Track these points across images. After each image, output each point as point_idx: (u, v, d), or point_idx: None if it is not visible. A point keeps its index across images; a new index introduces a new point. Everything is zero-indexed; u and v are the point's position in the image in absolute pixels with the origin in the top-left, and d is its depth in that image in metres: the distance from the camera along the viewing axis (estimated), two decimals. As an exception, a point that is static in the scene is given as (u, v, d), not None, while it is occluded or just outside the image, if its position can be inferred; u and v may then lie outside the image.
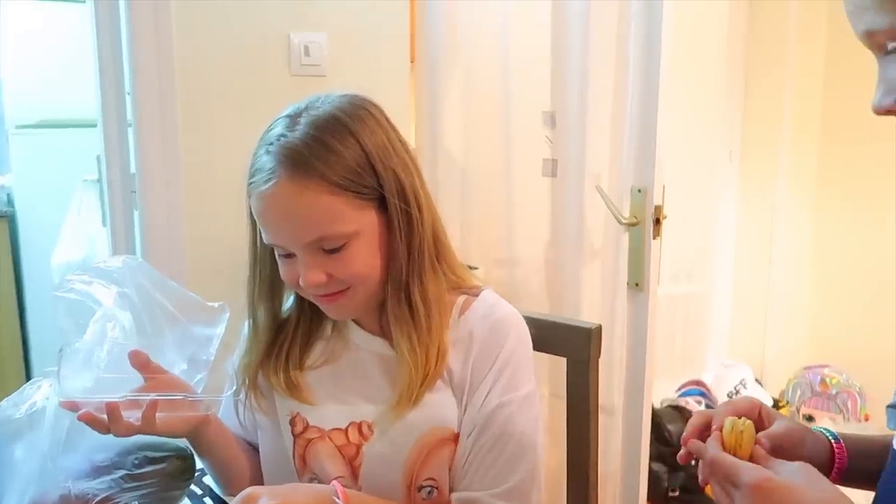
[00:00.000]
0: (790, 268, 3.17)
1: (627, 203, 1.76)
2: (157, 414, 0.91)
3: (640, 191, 1.73)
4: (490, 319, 0.98)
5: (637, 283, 1.76)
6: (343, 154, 0.89)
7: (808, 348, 3.20)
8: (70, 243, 2.64)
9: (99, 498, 0.86)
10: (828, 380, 3.05)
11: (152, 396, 0.91)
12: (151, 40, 1.88)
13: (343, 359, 1.02)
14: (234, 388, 1.01)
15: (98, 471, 0.91)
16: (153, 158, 1.89)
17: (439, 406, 0.96)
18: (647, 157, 1.71)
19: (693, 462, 2.47)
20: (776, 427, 0.82)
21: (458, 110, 2.01)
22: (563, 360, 1.14)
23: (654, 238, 1.73)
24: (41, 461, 0.89)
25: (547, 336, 1.07)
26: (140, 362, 0.95)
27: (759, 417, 0.84)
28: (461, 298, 1.01)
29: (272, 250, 0.96)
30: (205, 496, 1.09)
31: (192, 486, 1.08)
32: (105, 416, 0.88)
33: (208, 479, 1.10)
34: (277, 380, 1.01)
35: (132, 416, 0.90)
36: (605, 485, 1.91)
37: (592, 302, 1.93)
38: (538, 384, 1.00)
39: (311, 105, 0.93)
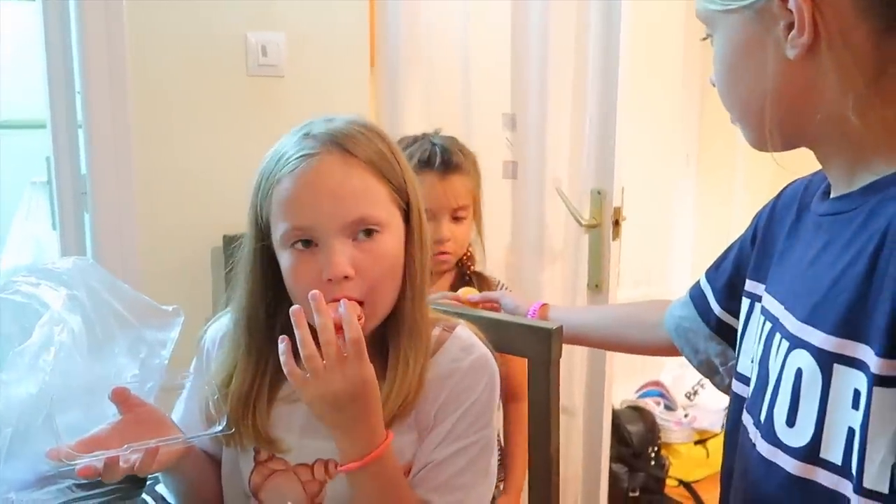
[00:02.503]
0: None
1: (587, 205, 1.77)
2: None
3: (599, 192, 1.74)
4: (463, 366, 0.95)
5: (597, 284, 1.77)
6: (382, 149, 0.92)
7: (764, 349, 3.25)
8: (18, 247, 2.56)
9: (45, 509, 0.82)
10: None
11: (154, 443, 0.86)
12: (102, 38, 1.83)
13: None
14: (225, 423, 0.92)
15: (43, 481, 0.86)
16: (105, 159, 1.84)
17: (404, 445, 0.93)
18: (607, 160, 1.72)
19: (652, 462, 2.49)
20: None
21: (418, 112, 1.99)
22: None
23: (613, 239, 1.74)
24: (-18, 472, 0.85)
25: (508, 337, 1.06)
26: (121, 398, 0.89)
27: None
28: (436, 331, 0.98)
29: (268, 259, 0.93)
30: (157, 506, 1.05)
31: (144, 496, 1.04)
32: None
33: (161, 489, 1.07)
34: (247, 430, 0.95)
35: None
36: (565, 486, 1.91)
37: (554, 301, 1.93)
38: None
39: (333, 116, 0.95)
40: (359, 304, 0.88)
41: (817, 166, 0.80)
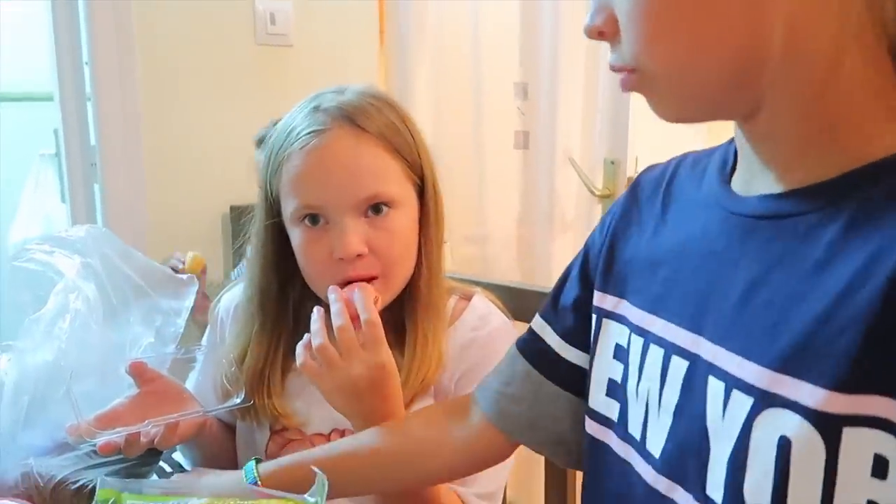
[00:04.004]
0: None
1: (600, 175, 1.75)
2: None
3: (612, 162, 1.72)
4: (482, 335, 0.94)
5: (610, 255, 1.75)
6: (395, 122, 0.89)
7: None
8: (27, 220, 2.56)
9: (62, 475, 0.82)
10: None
11: (175, 417, 0.85)
12: (109, 8, 1.81)
13: None
14: (243, 395, 0.91)
15: (62, 447, 0.86)
16: (114, 130, 1.83)
17: None
18: (621, 129, 1.70)
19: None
20: None
21: (427, 81, 1.97)
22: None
23: (626, 210, 1.72)
24: (0, 438, 0.85)
25: (524, 306, 1.04)
26: (137, 371, 0.89)
27: None
28: (452, 300, 0.97)
29: (280, 235, 0.92)
30: (173, 473, 1.05)
31: (161, 463, 1.04)
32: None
33: (178, 456, 1.07)
34: (261, 405, 0.94)
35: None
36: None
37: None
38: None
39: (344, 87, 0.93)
40: (374, 287, 0.87)
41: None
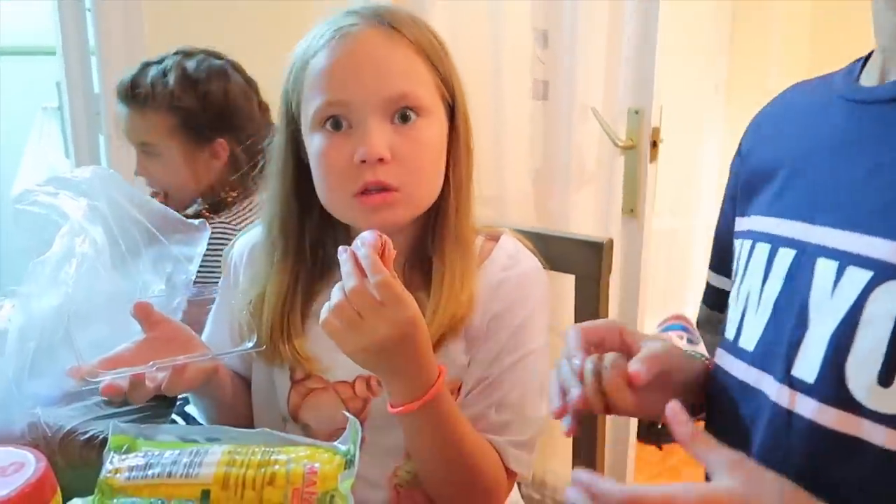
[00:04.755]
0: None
1: (623, 125, 1.68)
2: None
3: (636, 112, 1.65)
4: (513, 275, 0.89)
5: (632, 209, 1.70)
6: (430, 36, 0.85)
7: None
8: (31, 174, 2.51)
9: (71, 426, 0.78)
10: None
11: (182, 360, 0.80)
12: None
13: None
14: (255, 339, 0.87)
15: (70, 397, 0.82)
16: (119, 77, 1.76)
17: (455, 358, 0.88)
18: (646, 76, 1.63)
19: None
20: (649, 349, 0.69)
21: (443, 27, 1.89)
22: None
23: (650, 161, 1.66)
24: (5, 386, 0.81)
25: (553, 252, 0.99)
26: (144, 314, 0.83)
27: (621, 341, 0.72)
28: (479, 240, 0.92)
29: (298, 155, 0.87)
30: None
31: (174, 416, 1.00)
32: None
33: (191, 409, 1.03)
34: (283, 347, 0.89)
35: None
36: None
37: (584, 230, 1.86)
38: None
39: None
40: (394, 202, 0.81)
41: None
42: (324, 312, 0.74)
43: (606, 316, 1.04)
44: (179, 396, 0.98)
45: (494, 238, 0.93)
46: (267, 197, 0.92)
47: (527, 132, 1.94)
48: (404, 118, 0.81)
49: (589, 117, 1.76)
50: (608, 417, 1.90)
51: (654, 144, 1.65)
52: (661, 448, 2.58)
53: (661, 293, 3.00)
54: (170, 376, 0.79)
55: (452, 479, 0.84)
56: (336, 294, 0.73)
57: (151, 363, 0.78)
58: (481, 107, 1.95)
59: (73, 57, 1.82)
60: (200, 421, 1.00)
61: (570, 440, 1.14)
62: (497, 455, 0.86)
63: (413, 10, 0.85)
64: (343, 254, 0.74)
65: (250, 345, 0.86)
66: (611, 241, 1.02)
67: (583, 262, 1.03)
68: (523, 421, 0.88)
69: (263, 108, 1.45)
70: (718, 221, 0.84)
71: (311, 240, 0.91)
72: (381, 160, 0.80)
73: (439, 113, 0.85)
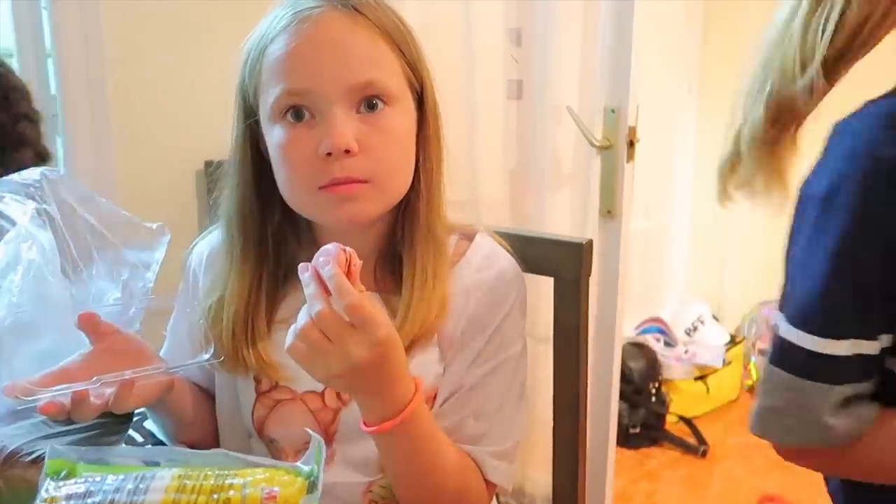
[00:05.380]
0: (746, 203, 3.13)
1: (599, 125, 1.65)
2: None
3: (613, 111, 1.61)
4: (489, 276, 0.85)
5: (609, 210, 1.66)
6: (395, 19, 0.79)
7: (764, 284, 3.19)
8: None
9: (15, 446, 0.71)
10: (784, 315, 3.04)
11: (130, 375, 0.73)
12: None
13: None
14: (212, 350, 0.81)
15: (15, 415, 0.76)
16: (76, 80, 1.70)
17: (428, 367, 0.83)
18: (622, 75, 1.59)
19: (653, 398, 2.38)
20: None
21: (413, 25, 1.86)
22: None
23: (627, 161, 1.63)
24: (-56, 404, 0.75)
25: (530, 254, 0.95)
26: (90, 324, 0.77)
27: None
28: (453, 239, 0.88)
29: (258, 149, 0.81)
30: (146, 444, 0.95)
31: (131, 432, 0.94)
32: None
33: (150, 424, 0.97)
34: (247, 354, 0.83)
35: (93, 395, 0.72)
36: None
37: (561, 232, 1.83)
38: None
39: None
40: (363, 193, 0.76)
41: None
42: (290, 337, 0.68)
43: (587, 319, 1.00)
44: (137, 411, 0.92)
45: (469, 237, 0.88)
46: (225, 194, 0.87)
47: (501, 133, 1.90)
48: (371, 106, 0.76)
49: (564, 117, 1.72)
50: (588, 423, 1.86)
51: (632, 144, 1.62)
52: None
53: (638, 294, 2.98)
54: (116, 392, 0.72)
55: (430, 497, 0.79)
56: (302, 318, 0.67)
57: (95, 378, 0.71)
58: (454, 107, 1.91)
59: (28, 58, 1.76)
60: (161, 438, 0.94)
61: (549, 447, 1.10)
62: (477, 469, 0.82)
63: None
64: (305, 273, 0.68)
65: (206, 356, 0.80)
66: (590, 242, 0.98)
67: (562, 264, 0.99)
68: (503, 430, 0.84)
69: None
70: (865, 278, 0.72)
71: (273, 239, 0.86)
72: (347, 152, 0.74)
73: (407, 100, 0.80)
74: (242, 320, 0.84)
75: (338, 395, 0.84)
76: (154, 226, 0.96)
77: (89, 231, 0.91)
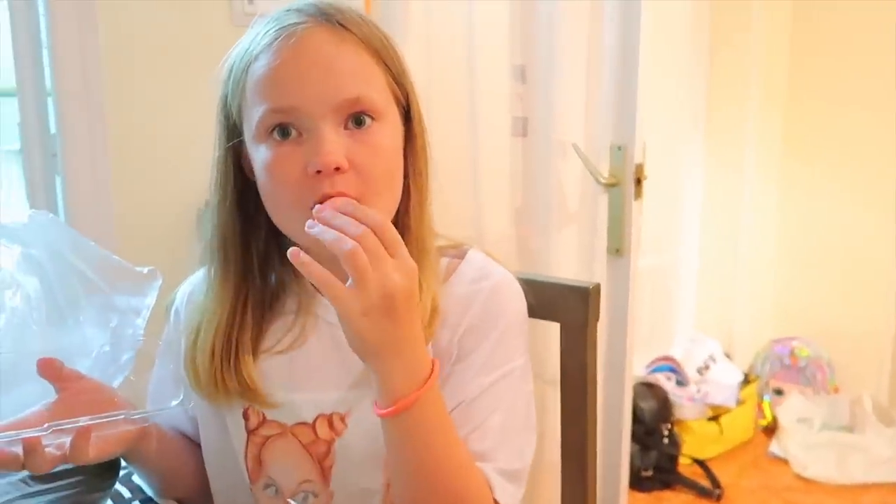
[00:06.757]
0: (757, 238, 3.09)
1: (606, 162, 1.62)
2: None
3: (620, 148, 1.59)
4: (485, 286, 0.82)
5: (618, 248, 1.63)
6: (380, 35, 0.78)
7: (776, 320, 3.14)
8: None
9: (-9, 507, 0.68)
10: (797, 352, 2.99)
11: (85, 422, 0.69)
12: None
13: (310, 342, 0.83)
14: (183, 395, 0.79)
15: (-8, 473, 0.72)
16: (76, 119, 1.68)
17: None
18: (628, 112, 1.57)
19: (665, 439, 2.31)
20: None
21: (418, 62, 1.84)
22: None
23: (635, 199, 1.59)
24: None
25: (536, 299, 0.91)
26: (52, 371, 0.74)
27: None
28: (444, 261, 0.85)
29: (243, 181, 0.79)
30: (133, 500, 0.90)
31: (118, 487, 0.90)
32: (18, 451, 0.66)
33: (138, 479, 0.92)
34: (229, 378, 0.80)
35: (52, 444, 0.68)
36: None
37: (567, 271, 1.79)
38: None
39: None
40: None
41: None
42: (319, 274, 0.65)
43: (594, 364, 0.96)
44: (124, 464, 0.88)
45: (460, 255, 0.86)
46: (206, 218, 0.84)
47: (507, 170, 1.88)
48: (358, 122, 0.74)
49: (570, 154, 1.69)
50: (599, 467, 1.80)
51: (639, 181, 1.59)
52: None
53: (647, 331, 2.93)
54: (72, 441, 0.68)
55: (439, 496, 0.73)
56: (342, 243, 0.64)
57: (47, 425, 0.67)
58: (459, 144, 1.89)
59: (28, 96, 1.75)
60: (148, 493, 0.90)
61: (558, 488, 1.06)
62: (486, 484, 0.76)
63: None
64: (314, 227, 0.67)
65: (175, 402, 0.76)
66: (597, 287, 0.94)
67: (568, 310, 0.95)
68: (510, 450, 0.79)
69: None
70: None
71: (258, 261, 0.83)
72: (337, 169, 0.72)
73: (394, 116, 0.78)
74: (223, 342, 0.80)
75: (330, 423, 0.80)
76: (145, 270, 0.93)
77: (77, 276, 0.88)
